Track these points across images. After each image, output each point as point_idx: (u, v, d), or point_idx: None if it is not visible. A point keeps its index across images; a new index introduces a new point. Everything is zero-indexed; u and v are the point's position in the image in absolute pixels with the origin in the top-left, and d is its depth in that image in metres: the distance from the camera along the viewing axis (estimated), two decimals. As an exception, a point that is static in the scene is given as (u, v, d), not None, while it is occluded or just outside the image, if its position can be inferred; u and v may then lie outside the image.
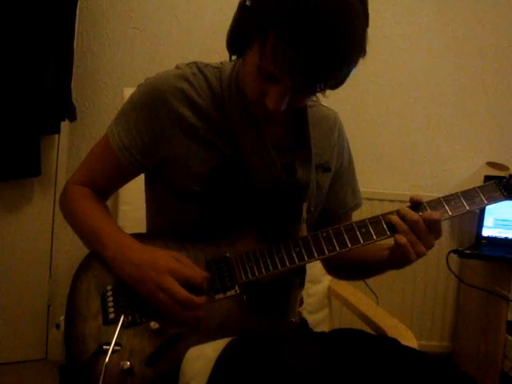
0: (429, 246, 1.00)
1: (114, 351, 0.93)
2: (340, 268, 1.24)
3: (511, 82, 2.37)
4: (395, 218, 1.00)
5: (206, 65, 1.09)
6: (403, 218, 1.00)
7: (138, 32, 2.14)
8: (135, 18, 2.13)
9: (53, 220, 2.10)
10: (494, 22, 2.32)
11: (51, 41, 1.88)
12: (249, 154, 1.04)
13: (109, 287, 1.00)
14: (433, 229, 0.99)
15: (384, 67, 2.27)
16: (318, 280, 1.63)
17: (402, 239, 0.98)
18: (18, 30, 1.82)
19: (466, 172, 2.33)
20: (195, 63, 1.09)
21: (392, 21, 2.23)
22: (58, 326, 1.05)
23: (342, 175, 1.21)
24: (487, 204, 1.04)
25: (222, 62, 1.10)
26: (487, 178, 2.11)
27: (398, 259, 1.02)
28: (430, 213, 1.00)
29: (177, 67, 1.09)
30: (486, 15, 2.31)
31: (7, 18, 1.81)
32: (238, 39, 0.96)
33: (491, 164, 2.26)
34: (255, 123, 1.04)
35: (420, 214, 1.00)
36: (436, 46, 2.31)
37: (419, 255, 0.99)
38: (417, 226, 0.98)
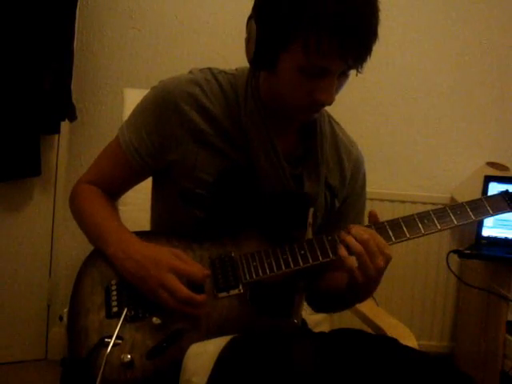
0: (378, 267, 0.94)
1: (115, 344, 0.93)
2: (318, 301, 1.24)
3: (511, 82, 2.37)
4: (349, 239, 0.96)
5: (220, 71, 1.10)
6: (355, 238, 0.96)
7: (138, 32, 2.14)
8: (135, 18, 2.13)
9: (53, 220, 2.10)
10: (495, 22, 2.32)
11: (51, 41, 1.88)
12: (261, 163, 1.05)
13: (113, 281, 1.02)
14: (381, 246, 0.95)
15: (384, 67, 2.27)
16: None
17: (352, 262, 0.95)
18: (17, 29, 1.82)
19: (466, 172, 2.33)
20: (209, 69, 1.10)
21: (392, 21, 2.24)
22: (61, 318, 1.06)
23: (348, 205, 1.20)
24: (493, 215, 1.03)
25: (236, 69, 1.11)
26: (487, 178, 2.12)
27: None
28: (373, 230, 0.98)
29: (190, 72, 1.10)
30: (487, 15, 2.31)
31: (7, 17, 1.81)
32: (269, 52, 0.95)
33: (491, 164, 2.26)
34: (269, 132, 1.05)
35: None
36: (436, 46, 2.31)
37: (367, 278, 0.95)
38: (368, 246, 0.94)
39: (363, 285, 0.97)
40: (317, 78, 0.93)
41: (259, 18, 0.95)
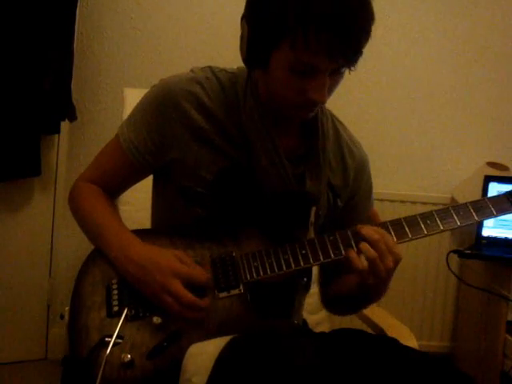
0: (387, 268, 0.95)
1: (115, 343, 0.94)
2: (333, 304, 1.25)
3: (511, 82, 2.37)
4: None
5: (221, 69, 1.10)
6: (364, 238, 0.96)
7: (138, 32, 2.14)
8: (135, 18, 2.13)
9: (53, 220, 2.10)
10: (495, 22, 2.32)
11: (51, 41, 1.88)
12: (261, 161, 1.05)
13: (114, 280, 1.02)
14: (391, 247, 0.95)
15: (384, 67, 2.27)
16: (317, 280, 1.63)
17: (362, 264, 0.95)
18: (17, 29, 1.82)
19: (466, 172, 2.33)
20: (210, 67, 1.10)
21: (392, 20, 2.23)
22: (62, 317, 1.07)
23: (357, 206, 1.20)
24: (496, 215, 1.02)
25: (237, 67, 1.11)
26: (487, 178, 2.12)
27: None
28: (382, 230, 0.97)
29: (191, 70, 1.10)
30: (486, 15, 2.31)
31: (7, 17, 1.81)
32: (260, 51, 0.95)
33: (491, 164, 2.26)
34: (269, 132, 1.05)
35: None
36: (436, 46, 2.31)
37: (377, 280, 0.96)
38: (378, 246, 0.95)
39: (373, 286, 0.97)
40: (308, 76, 0.93)
41: (249, 17, 0.95)
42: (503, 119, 2.38)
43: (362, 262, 0.95)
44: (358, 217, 1.17)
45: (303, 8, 0.87)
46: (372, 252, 0.94)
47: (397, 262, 0.95)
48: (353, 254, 0.96)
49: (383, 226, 1.01)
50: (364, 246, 0.95)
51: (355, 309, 1.23)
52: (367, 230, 0.96)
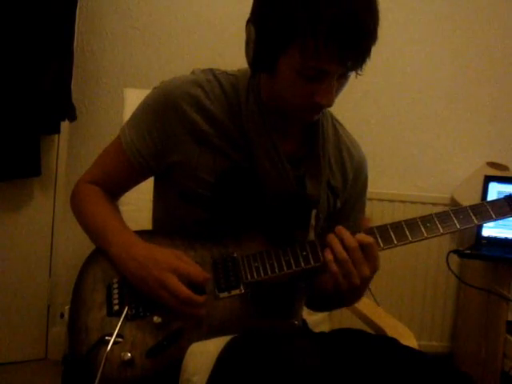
0: (362, 276, 0.95)
1: (115, 342, 0.94)
2: (309, 300, 1.25)
3: (511, 81, 2.37)
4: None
5: (222, 72, 1.10)
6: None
7: (138, 32, 2.14)
8: (135, 18, 2.13)
9: (53, 220, 2.10)
10: (495, 22, 2.32)
11: (51, 40, 1.88)
12: (263, 164, 1.05)
13: (115, 280, 1.02)
14: (369, 256, 0.96)
15: (384, 67, 2.27)
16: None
17: (334, 268, 0.95)
18: (17, 29, 1.82)
19: (466, 172, 2.33)
20: (211, 69, 1.10)
21: (392, 20, 2.24)
22: (62, 316, 1.07)
23: (348, 206, 1.20)
24: (496, 219, 1.03)
25: (238, 69, 1.11)
26: (487, 178, 2.12)
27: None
28: (363, 235, 0.96)
29: (192, 73, 1.10)
30: (486, 15, 2.31)
31: (7, 17, 1.81)
32: (268, 55, 0.95)
33: (491, 164, 2.26)
34: (270, 134, 1.05)
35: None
36: (436, 46, 2.31)
37: (351, 286, 0.96)
38: (353, 253, 0.95)
39: (347, 292, 0.97)
40: (315, 80, 0.93)
41: (257, 21, 0.95)
42: (503, 119, 2.38)
43: (334, 266, 0.95)
44: (350, 216, 1.18)
45: (313, 14, 0.87)
46: (344, 254, 0.94)
47: (374, 271, 0.97)
48: (329, 255, 0.96)
49: (383, 228, 1.01)
50: (336, 245, 0.96)
51: (329, 308, 1.27)
52: (346, 235, 0.96)
